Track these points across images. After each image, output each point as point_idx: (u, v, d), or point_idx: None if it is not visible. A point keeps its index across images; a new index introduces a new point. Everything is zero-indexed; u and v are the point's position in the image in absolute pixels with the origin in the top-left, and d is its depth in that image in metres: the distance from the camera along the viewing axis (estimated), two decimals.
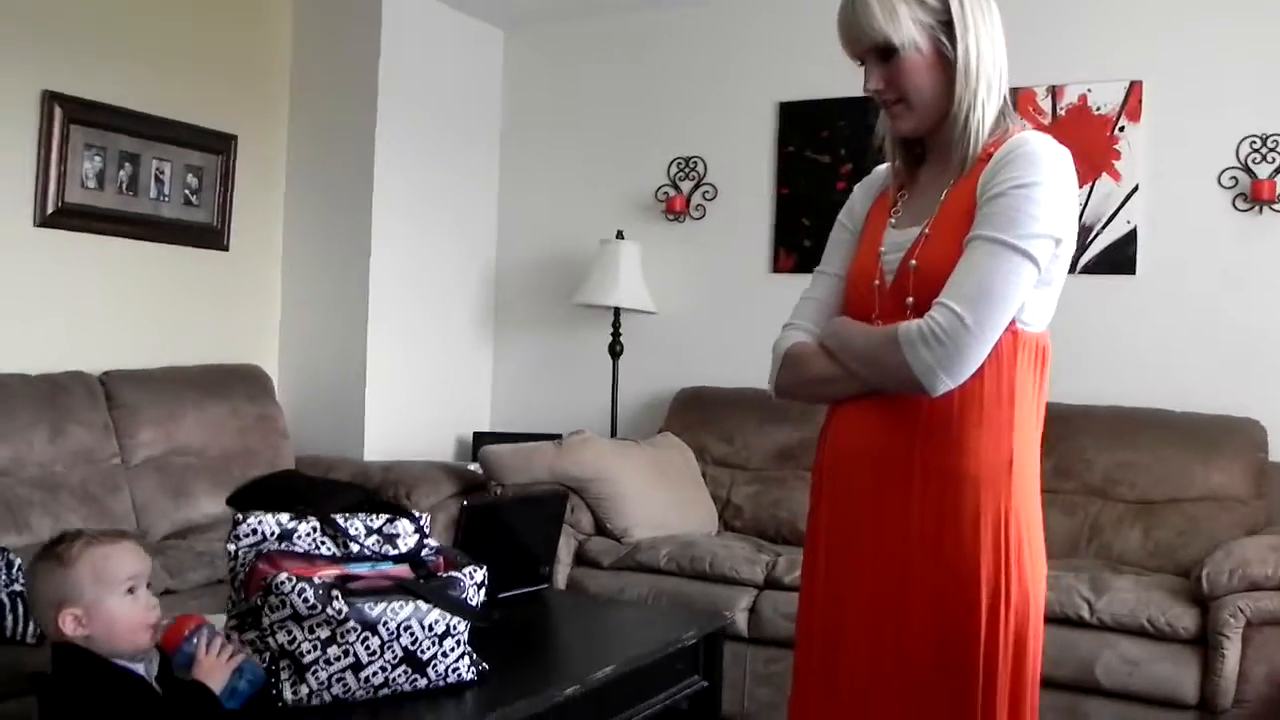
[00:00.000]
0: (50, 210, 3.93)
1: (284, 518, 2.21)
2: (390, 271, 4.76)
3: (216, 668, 1.87)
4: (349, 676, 2.05)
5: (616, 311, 4.78)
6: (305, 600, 2.01)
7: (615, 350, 4.81)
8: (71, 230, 4.00)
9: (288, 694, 2.03)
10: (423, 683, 2.16)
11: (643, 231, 4.91)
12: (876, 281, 1.86)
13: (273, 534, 2.18)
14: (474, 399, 5.23)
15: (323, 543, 2.20)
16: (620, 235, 4.78)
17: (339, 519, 2.26)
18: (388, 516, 2.32)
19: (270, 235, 4.81)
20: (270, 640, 2.04)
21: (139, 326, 4.24)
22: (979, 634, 1.70)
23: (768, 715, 3.51)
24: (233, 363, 4.47)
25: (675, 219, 4.96)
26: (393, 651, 2.10)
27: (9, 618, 2.68)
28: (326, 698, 2.04)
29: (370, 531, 2.27)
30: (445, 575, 2.25)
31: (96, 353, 3.99)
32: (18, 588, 2.77)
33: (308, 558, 2.15)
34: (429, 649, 2.15)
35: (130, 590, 1.83)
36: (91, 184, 4.07)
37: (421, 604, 2.16)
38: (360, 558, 2.20)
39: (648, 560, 3.75)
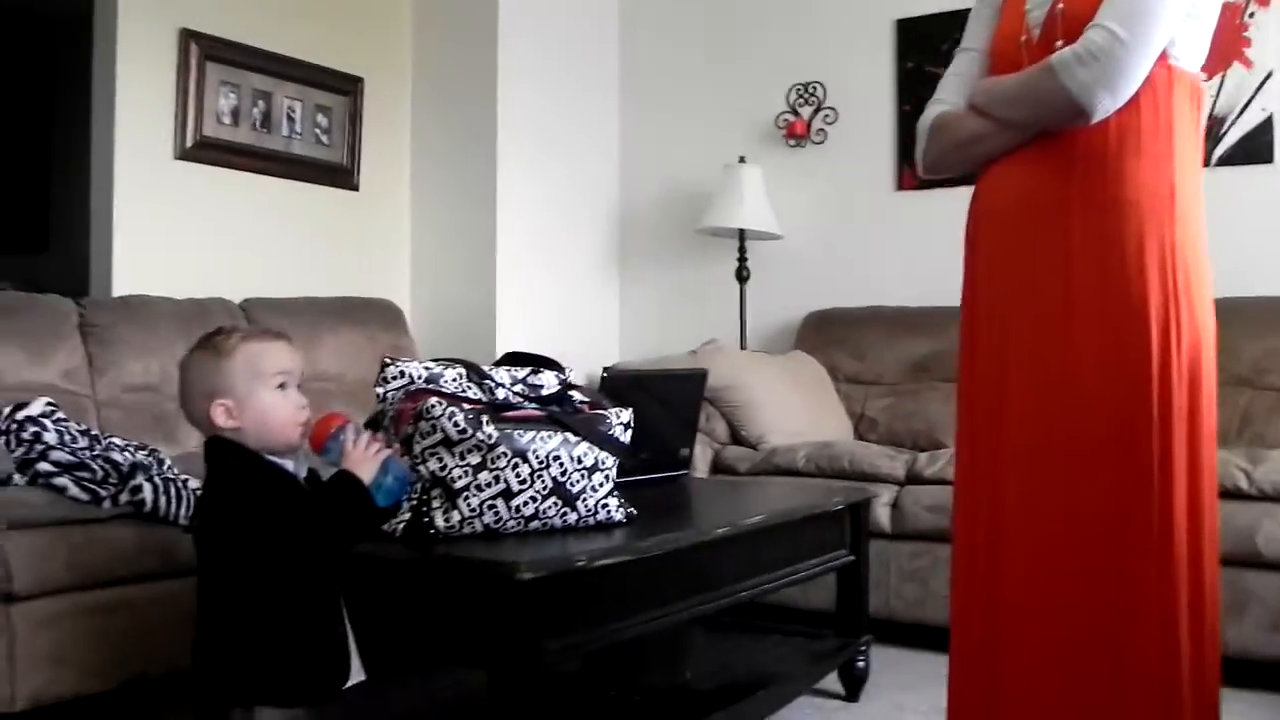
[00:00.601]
0: (189, 144, 4.05)
1: (430, 364, 2.24)
2: (516, 209, 4.80)
3: (365, 460, 1.86)
4: (500, 504, 2.06)
5: (741, 235, 4.75)
6: (456, 424, 2.03)
7: (742, 275, 4.78)
8: (209, 164, 4.11)
9: (439, 520, 2.04)
10: (572, 517, 2.16)
11: (765, 158, 4.87)
12: (1023, 38, 1.82)
13: (420, 377, 2.20)
14: (602, 333, 5.24)
15: (468, 388, 2.21)
16: (742, 160, 4.76)
17: (484, 367, 2.28)
18: (531, 369, 2.33)
19: (398, 175, 4.88)
20: (421, 468, 2.05)
21: (275, 259, 4.34)
22: (1150, 374, 1.63)
23: (914, 613, 3.44)
24: (369, 297, 4.55)
25: (797, 144, 4.92)
26: (542, 482, 2.10)
27: (162, 499, 2.75)
28: (478, 526, 2.05)
29: (515, 380, 2.27)
30: (592, 412, 2.26)
31: (235, 282, 4.08)
32: (170, 475, 2.85)
33: (454, 398, 2.17)
34: (578, 482, 2.15)
35: (281, 386, 1.86)
36: (227, 120, 4.18)
37: (570, 435, 2.16)
38: (505, 405, 2.21)
39: (785, 463, 3.71)
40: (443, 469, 2.04)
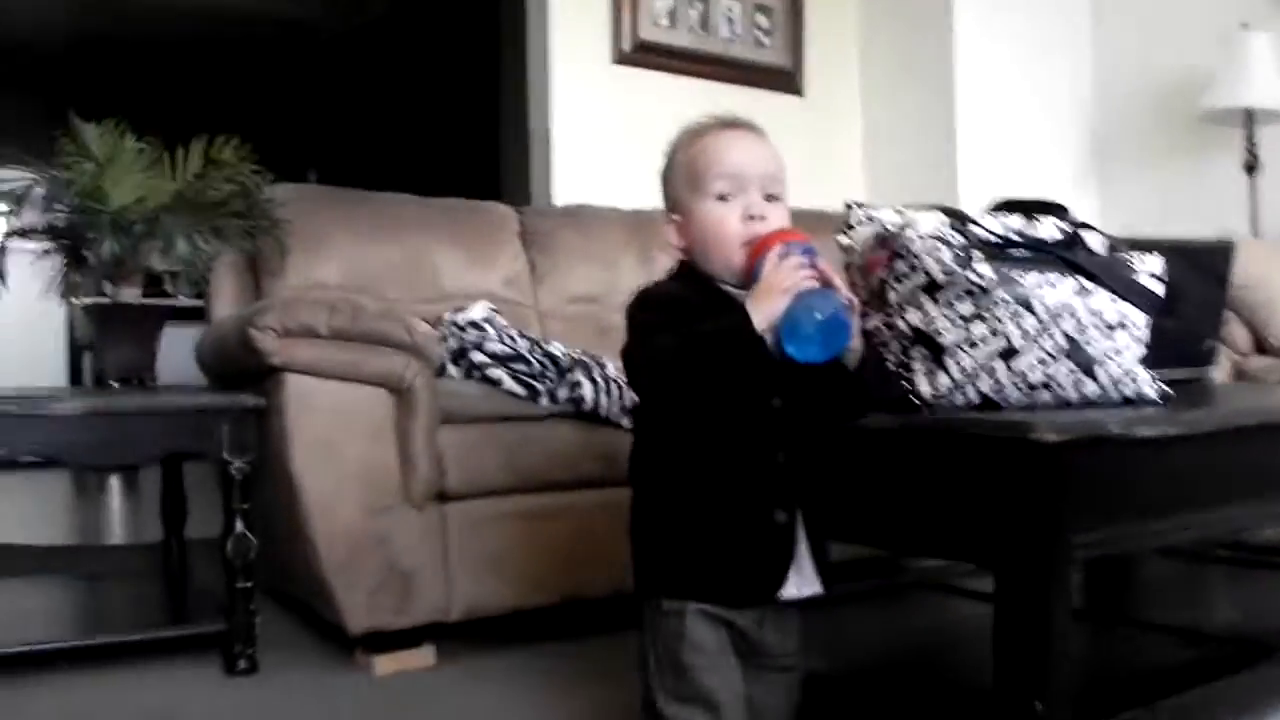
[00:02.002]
0: (626, 47, 3.85)
1: (902, 209, 1.82)
2: (976, 106, 4.28)
3: (768, 292, 1.36)
4: (998, 367, 1.62)
5: (1249, 117, 3.98)
6: (941, 262, 1.61)
7: (1250, 166, 4.01)
8: (646, 68, 3.90)
9: (924, 387, 1.63)
10: (1091, 389, 1.67)
11: (1275, 23, 4.05)
12: None
13: (892, 223, 1.79)
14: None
15: (951, 236, 1.78)
16: (1246, 27, 3.98)
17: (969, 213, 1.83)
18: (1026, 216, 1.86)
19: (846, 76, 4.50)
20: (899, 322, 1.65)
21: None
22: None
23: None
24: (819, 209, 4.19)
25: None
26: (1052, 339, 1.63)
27: (603, 398, 2.51)
28: (971, 394, 1.62)
29: (1008, 230, 1.81)
30: (1113, 256, 1.77)
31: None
32: (613, 375, 2.61)
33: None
34: (1097, 341, 1.67)
35: (722, 198, 1.49)
36: (664, 21, 3.95)
37: (1085, 282, 1.68)
38: (1001, 244, 1.75)
39: None
40: (926, 321, 1.63)
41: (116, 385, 2.51)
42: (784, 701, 1.53)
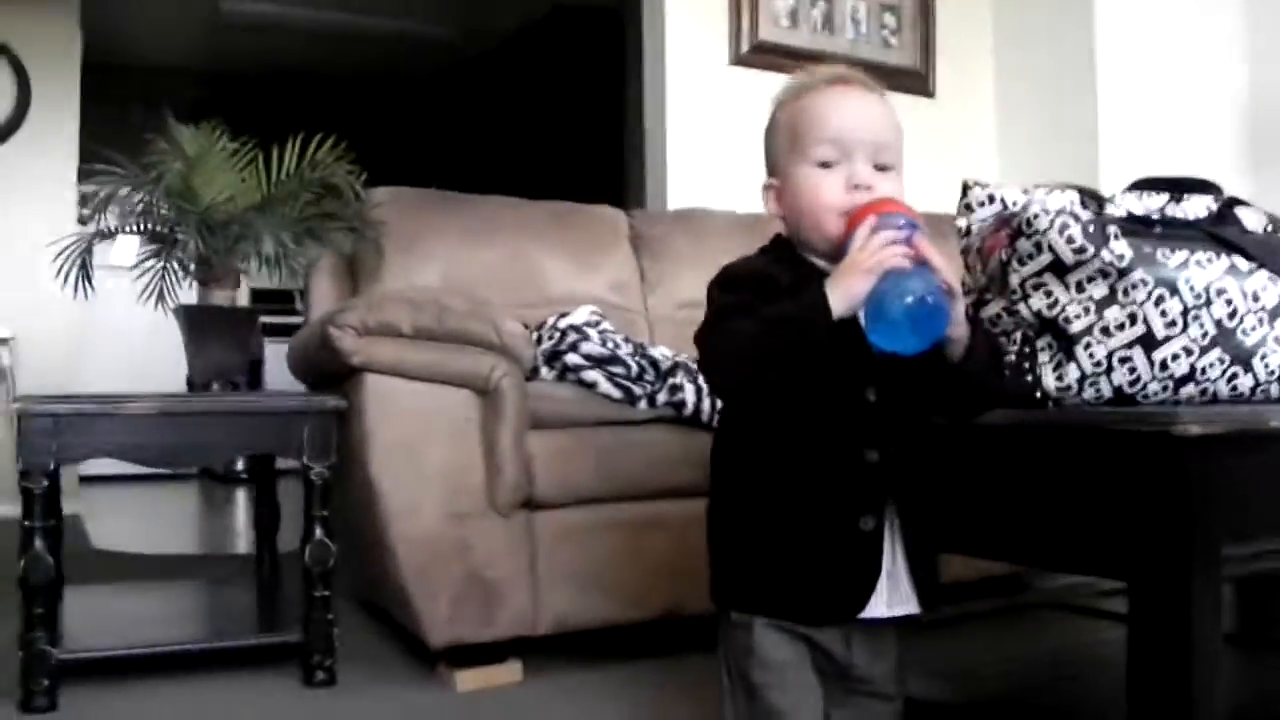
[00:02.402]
0: (745, 48, 3.70)
1: (1027, 188, 1.63)
2: (1120, 108, 4.00)
3: (850, 271, 1.17)
4: (1137, 357, 1.42)
5: None
6: (1070, 240, 1.42)
7: None
8: (765, 69, 3.73)
9: (1049, 380, 1.44)
10: (1246, 382, 1.46)
11: None
12: None
13: (1014, 203, 1.60)
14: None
15: (1083, 213, 1.58)
16: None
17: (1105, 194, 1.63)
18: (1171, 195, 1.65)
19: (979, 77, 4.26)
20: (1022, 307, 1.47)
21: None
22: None
23: None
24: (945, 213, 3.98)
25: None
26: (1200, 326, 1.43)
27: (705, 402, 2.35)
28: (1105, 388, 1.43)
29: (1148, 212, 1.61)
30: (1271, 234, 1.55)
31: None
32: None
33: None
34: (1254, 329, 1.46)
35: (825, 165, 1.30)
36: (785, 22, 3.79)
37: (1240, 261, 1.47)
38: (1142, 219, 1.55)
39: None
40: (1052, 305, 1.44)
41: (212, 389, 2.45)
42: None
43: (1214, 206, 1.60)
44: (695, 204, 3.45)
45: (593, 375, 2.32)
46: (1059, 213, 1.44)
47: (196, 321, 2.53)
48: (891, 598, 1.25)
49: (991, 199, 1.61)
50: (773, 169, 1.34)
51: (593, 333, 2.50)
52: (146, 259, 2.55)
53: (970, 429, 1.38)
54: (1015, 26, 4.22)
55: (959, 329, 1.21)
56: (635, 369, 2.36)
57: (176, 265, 2.53)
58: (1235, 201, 1.59)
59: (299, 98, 7.48)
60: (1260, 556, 1.24)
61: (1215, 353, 1.43)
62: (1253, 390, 1.46)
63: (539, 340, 2.43)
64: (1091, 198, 1.60)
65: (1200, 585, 1.16)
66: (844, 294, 1.17)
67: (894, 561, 1.25)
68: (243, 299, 3.08)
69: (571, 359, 2.34)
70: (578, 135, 6.50)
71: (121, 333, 6.23)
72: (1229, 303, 1.44)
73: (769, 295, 1.24)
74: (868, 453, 1.24)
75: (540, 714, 2.10)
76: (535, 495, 2.22)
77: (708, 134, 3.64)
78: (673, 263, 3.21)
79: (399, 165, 4.86)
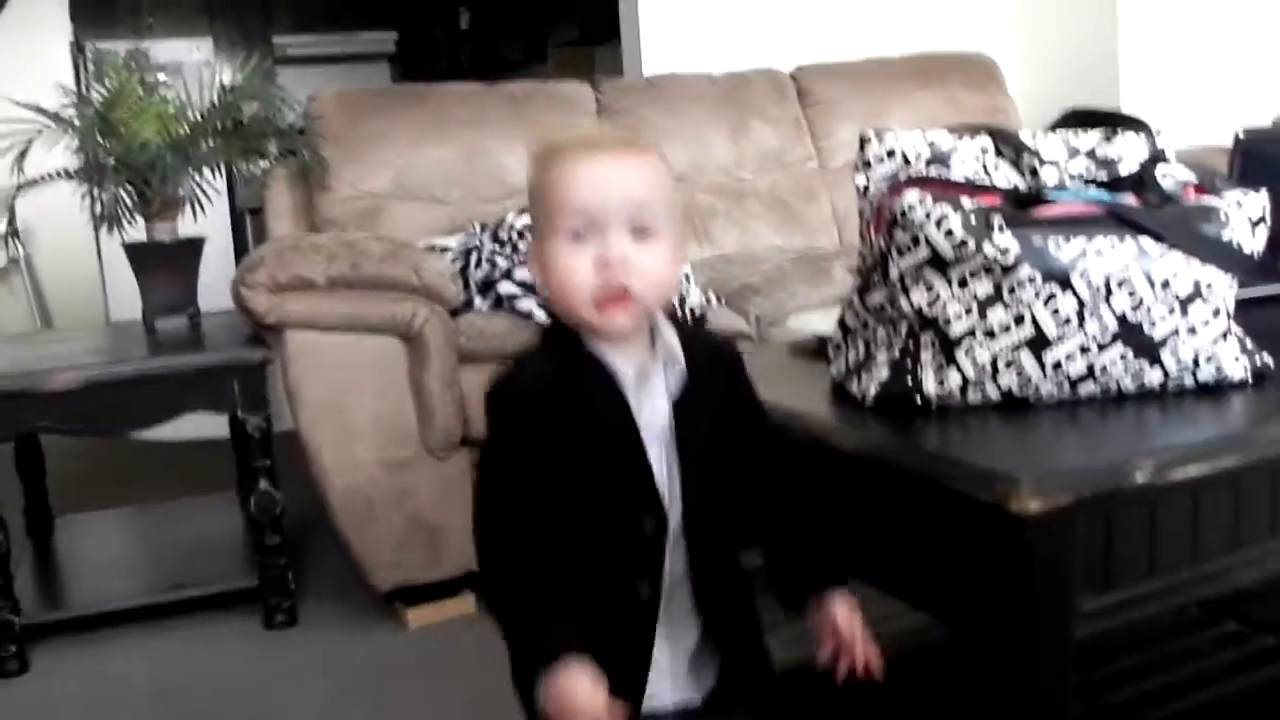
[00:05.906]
0: None
1: (940, 133, 1.47)
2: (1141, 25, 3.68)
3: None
4: (1025, 360, 1.29)
5: None
6: (948, 232, 1.28)
7: None
8: None
9: (929, 384, 1.32)
10: (1155, 377, 1.33)
11: None
12: None
13: (918, 156, 1.44)
14: (1268, 80, 3.97)
15: (996, 167, 1.43)
16: None
17: (1024, 134, 1.47)
18: (1103, 132, 1.49)
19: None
20: (903, 301, 1.34)
21: (834, 14, 3.65)
22: None
23: None
24: (953, 51, 3.73)
25: None
26: (1099, 320, 1.29)
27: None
28: (992, 392, 1.31)
29: (1074, 153, 1.45)
30: (1192, 203, 1.39)
31: (786, 51, 3.46)
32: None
33: (971, 187, 1.39)
34: (1162, 320, 1.32)
35: (577, 236, 1.13)
36: None
37: (1147, 243, 1.32)
38: (1036, 198, 1.39)
39: None
40: (933, 303, 1.31)
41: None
42: None
43: (1145, 150, 1.44)
44: (676, 69, 3.27)
45: (527, 304, 2.23)
46: (936, 203, 1.30)
47: (141, 257, 2.49)
48: (675, 684, 1.15)
49: (891, 154, 1.45)
50: (535, 232, 1.19)
51: None
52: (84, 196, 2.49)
53: (822, 451, 1.29)
54: None
55: None
56: None
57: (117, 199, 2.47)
58: (1160, 158, 1.42)
59: None
60: (1125, 606, 1.14)
61: (1116, 349, 1.30)
62: (1163, 384, 1.34)
63: (462, 267, 2.33)
64: (1008, 143, 1.45)
65: (1048, 648, 1.08)
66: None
67: (676, 638, 1.15)
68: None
69: (505, 288, 2.25)
70: None
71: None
72: (1132, 294, 1.30)
73: (549, 434, 1.12)
74: (640, 585, 1.13)
75: (491, 645, 2.11)
76: (471, 434, 2.17)
77: None
78: (644, 137, 3.05)
79: None
